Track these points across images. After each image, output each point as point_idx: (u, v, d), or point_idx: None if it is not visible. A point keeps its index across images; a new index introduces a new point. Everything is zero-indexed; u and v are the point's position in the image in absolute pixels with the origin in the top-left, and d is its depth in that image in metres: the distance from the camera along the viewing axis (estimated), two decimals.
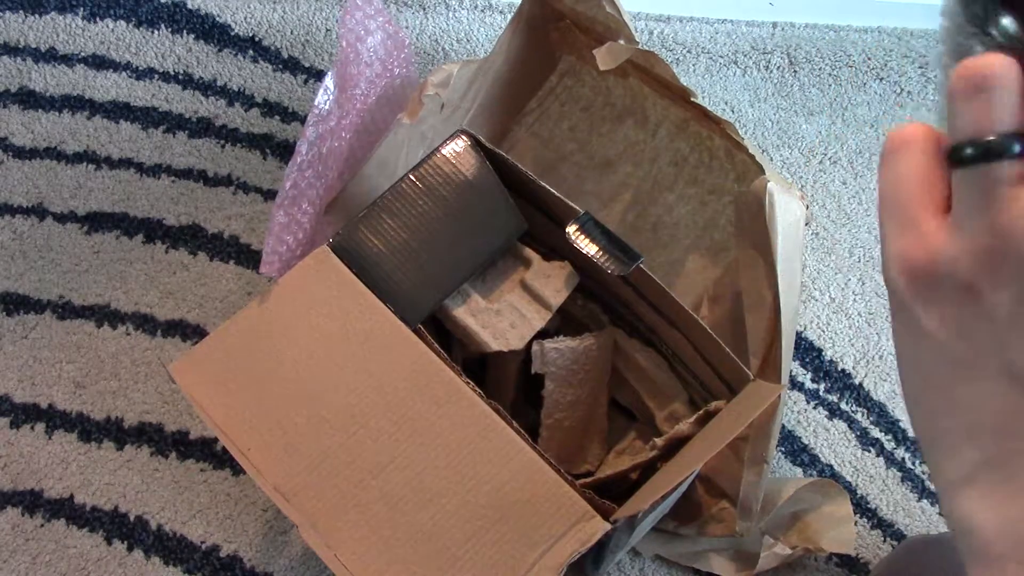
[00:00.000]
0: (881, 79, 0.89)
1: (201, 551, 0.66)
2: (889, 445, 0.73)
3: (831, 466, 0.72)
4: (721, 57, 0.89)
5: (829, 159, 0.85)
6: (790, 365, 0.62)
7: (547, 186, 0.56)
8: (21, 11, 0.89)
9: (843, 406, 0.74)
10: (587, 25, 0.68)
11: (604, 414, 0.64)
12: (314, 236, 0.60)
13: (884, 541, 0.70)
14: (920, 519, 0.71)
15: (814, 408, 0.74)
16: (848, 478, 0.72)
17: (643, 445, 0.64)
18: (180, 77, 0.87)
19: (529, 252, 0.60)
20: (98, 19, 0.89)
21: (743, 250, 0.59)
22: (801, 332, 0.77)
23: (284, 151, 0.83)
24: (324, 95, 0.61)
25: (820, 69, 0.89)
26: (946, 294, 0.25)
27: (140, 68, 0.87)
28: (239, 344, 0.51)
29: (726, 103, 0.88)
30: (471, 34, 0.89)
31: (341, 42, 0.62)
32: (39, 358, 0.73)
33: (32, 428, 0.70)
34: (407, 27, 0.89)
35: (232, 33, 0.88)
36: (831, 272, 0.80)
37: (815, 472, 0.72)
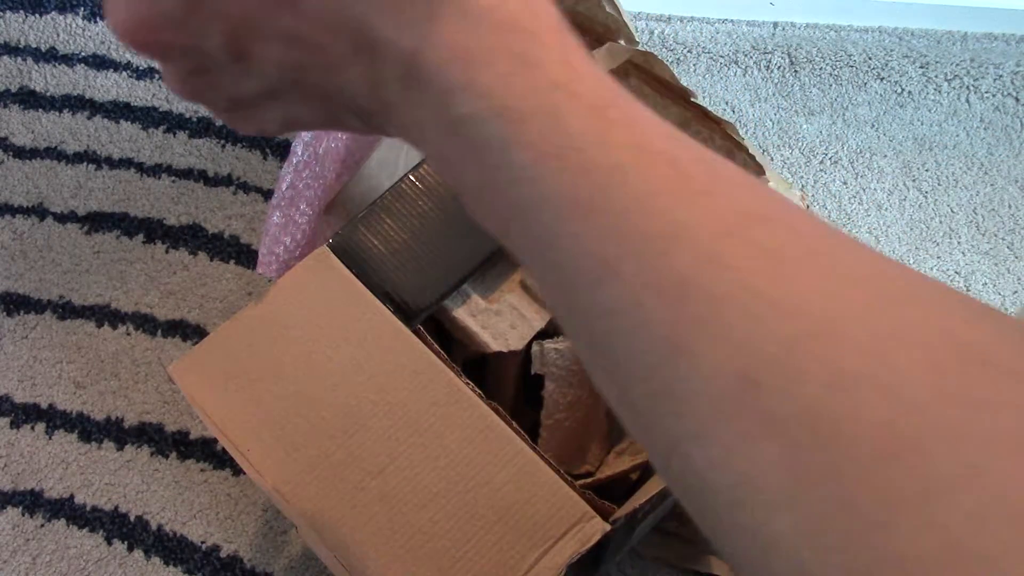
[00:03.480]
0: (882, 79, 0.89)
1: (201, 551, 0.66)
2: None
3: None
4: (722, 57, 0.89)
5: (830, 159, 0.85)
6: None
7: None
8: (21, 11, 0.89)
9: None
10: (587, 25, 0.68)
11: (604, 415, 0.64)
12: (313, 237, 0.60)
13: None
14: None
15: None
16: None
17: None
18: None
19: None
20: (98, 19, 0.89)
21: None
22: None
23: (284, 151, 0.83)
24: None
25: (821, 69, 0.89)
26: (181, 53, 0.24)
27: (140, 68, 0.87)
28: (239, 344, 0.51)
29: (727, 103, 0.87)
30: None
31: None
32: (39, 358, 0.73)
33: (32, 428, 0.70)
34: None
35: None
36: None
37: None
